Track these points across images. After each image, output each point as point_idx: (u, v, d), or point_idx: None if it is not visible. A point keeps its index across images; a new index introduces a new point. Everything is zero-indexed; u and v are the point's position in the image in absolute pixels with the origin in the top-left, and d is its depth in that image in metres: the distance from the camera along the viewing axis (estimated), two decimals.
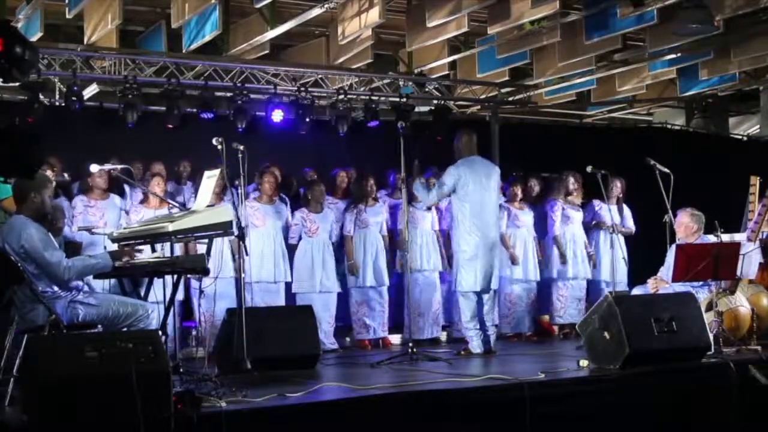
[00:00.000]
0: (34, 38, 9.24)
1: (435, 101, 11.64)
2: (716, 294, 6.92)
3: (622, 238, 8.90)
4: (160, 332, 5.16)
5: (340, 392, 5.34)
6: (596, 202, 9.12)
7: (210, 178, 6.09)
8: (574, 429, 5.42)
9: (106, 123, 9.87)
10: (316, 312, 7.11)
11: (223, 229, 5.84)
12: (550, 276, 9.04)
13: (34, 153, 5.05)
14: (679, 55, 11.48)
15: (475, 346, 7.40)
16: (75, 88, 9.32)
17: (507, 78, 12.08)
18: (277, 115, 10.19)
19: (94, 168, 7.10)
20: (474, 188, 7.45)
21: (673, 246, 7.13)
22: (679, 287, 6.89)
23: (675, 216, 7.38)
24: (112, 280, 6.47)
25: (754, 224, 7.68)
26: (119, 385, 4.21)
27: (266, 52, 10.78)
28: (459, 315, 7.90)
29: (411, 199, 8.06)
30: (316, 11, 9.44)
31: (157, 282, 5.93)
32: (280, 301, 8.00)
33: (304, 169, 9.68)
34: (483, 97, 11.95)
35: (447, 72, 12.21)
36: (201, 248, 6.91)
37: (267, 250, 7.92)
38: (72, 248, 7.23)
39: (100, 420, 4.23)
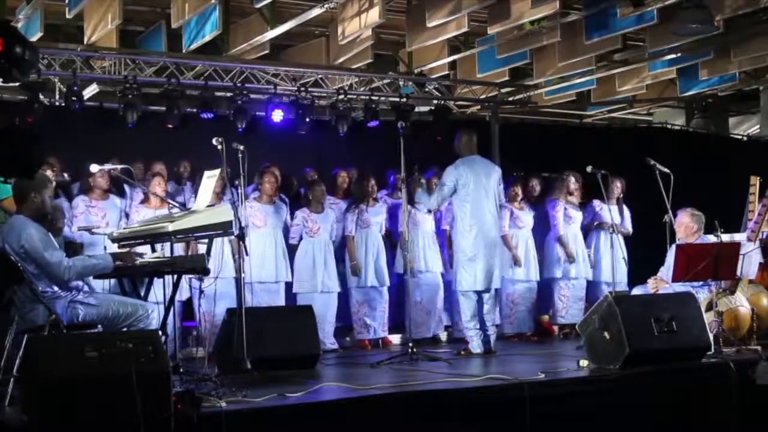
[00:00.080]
0: (34, 38, 9.23)
1: (435, 101, 11.64)
2: (716, 294, 6.92)
3: (621, 238, 8.89)
4: (160, 332, 5.16)
5: (340, 392, 5.34)
6: (596, 203, 9.11)
7: (210, 178, 6.09)
8: (574, 429, 5.42)
9: (106, 123, 9.87)
10: (318, 312, 7.11)
11: (223, 229, 5.84)
12: (550, 276, 9.03)
13: (34, 153, 5.04)
14: (679, 55, 11.48)
15: (475, 346, 7.40)
16: (75, 88, 9.32)
17: (507, 78, 12.08)
18: (277, 115, 10.19)
19: (94, 168, 7.10)
20: (474, 188, 7.45)
21: (673, 246, 7.13)
22: (679, 287, 6.90)
23: (675, 216, 7.38)
24: (112, 280, 6.47)
25: (754, 224, 7.69)
26: (119, 385, 4.21)
27: (266, 52, 10.77)
28: (459, 315, 7.90)
29: (411, 199, 8.06)
30: (316, 11, 9.44)
31: (157, 282, 5.93)
32: (281, 301, 8.00)
33: (305, 169, 9.69)
34: (483, 97, 11.95)
35: (447, 72, 12.20)
36: (202, 248, 6.91)
37: (268, 251, 7.92)
38: (72, 248, 7.24)
39: (100, 420, 4.23)
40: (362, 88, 11.02)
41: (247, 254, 6.02)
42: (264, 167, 8.23)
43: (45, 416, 4.22)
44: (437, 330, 8.78)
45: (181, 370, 5.62)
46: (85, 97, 9.70)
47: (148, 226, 6.02)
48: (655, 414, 5.69)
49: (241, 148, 6.09)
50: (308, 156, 10.59)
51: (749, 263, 7.27)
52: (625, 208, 9.23)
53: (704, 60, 11.80)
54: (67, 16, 9.52)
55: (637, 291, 7.52)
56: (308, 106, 10.40)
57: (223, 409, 4.58)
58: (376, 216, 8.47)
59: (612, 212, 8.83)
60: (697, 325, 6.19)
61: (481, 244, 7.43)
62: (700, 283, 6.99)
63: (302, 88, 10.47)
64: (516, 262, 8.77)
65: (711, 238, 7.32)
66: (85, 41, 9.79)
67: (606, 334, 5.96)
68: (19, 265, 5.15)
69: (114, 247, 6.10)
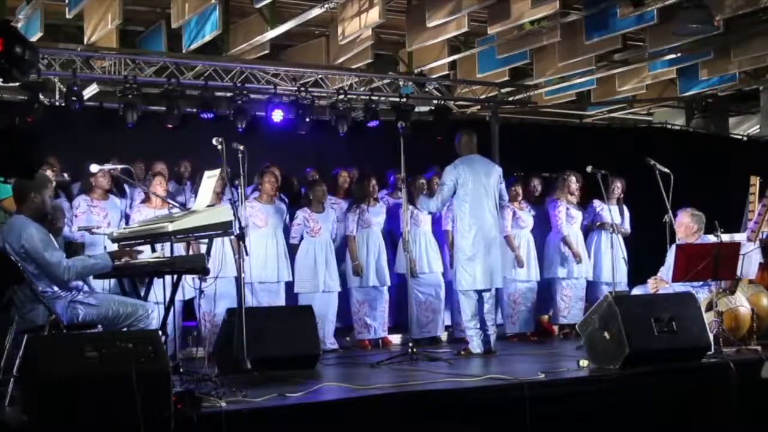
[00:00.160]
0: (34, 38, 9.24)
1: (435, 101, 11.64)
2: (716, 294, 6.92)
3: (621, 238, 8.89)
4: (160, 332, 5.16)
5: (340, 392, 5.34)
6: (597, 203, 9.09)
7: (210, 178, 6.09)
8: (574, 429, 5.42)
9: (106, 123, 9.87)
10: (319, 312, 7.10)
11: (223, 229, 5.84)
12: (550, 276, 9.02)
13: (34, 153, 5.04)
14: (679, 55, 11.48)
15: (475, 345, 7.40)
16: (75, 88, 9.32)
17: (507, 78, 12.09)
18: (277, 115, 10.20)
19: (94, 168, 7.09)
20: (473, 187, 7.45)
21: (673, 246, 7.13)
22: (679, 287, 6.89)
23: (675, 216, 7.38)
24: (112, 280, 6.47)
25: (754, 224, 7.68)
26: (119, 385, 4.21)
27: (266, 52, 10.78)
28: (460, 315, 7.90)
29: (412, 199, 8.05)
30: (316, 11, 9.44)
31: (157, 282, 5.93)
32: (281, 301, 8.00)
33: (305, 169, 9.68)
34: (483, 97, 11.96)
35: (447, 72, 12.21)
36: (203, 248, 6.91)
37: (269, 251, 7.91)
38: (72, 248, 7.24)
39: (100, 420, 4.23)
40: (362, 88, 11.03)
41: (247, 254, 6.02)
42: (264, 167, 8.23)
43: (45, 416, 4.22)
44: (438, 331, 8.75)
45: (181, 370, 5.62)
46: (85, 97, 9.70)
47: (148, 226, 6.02)
48: (655, 414, 5.69)
49: (241, 148, 6.09)
50: (308, 156, 10.59)
51: (749, 263, 7.27)
52: (625, 208, 9.22)
53: (704, 60, 11.80)
54: (67, 16, 9.52)
55: (637, 291, 7.51)
56: (308, 106, 10.41)
57: (223, 409, 4.58)
58: (377, 216, 8.46)
59: (612, 212, 8.83)
60: (697, 325, 6.20)
61: (481, 244, 7.43)
62: (700, 283, 6.99)
63: (302, 88, 10.47)
64: (519, 262, 8.75)
65: (711, 238, 7.31)
66: (85, 41, 9.80)
67: (606, 334, 5.96)
68: (19, 265, 5.15)
69: (114, 247, 6.10)
